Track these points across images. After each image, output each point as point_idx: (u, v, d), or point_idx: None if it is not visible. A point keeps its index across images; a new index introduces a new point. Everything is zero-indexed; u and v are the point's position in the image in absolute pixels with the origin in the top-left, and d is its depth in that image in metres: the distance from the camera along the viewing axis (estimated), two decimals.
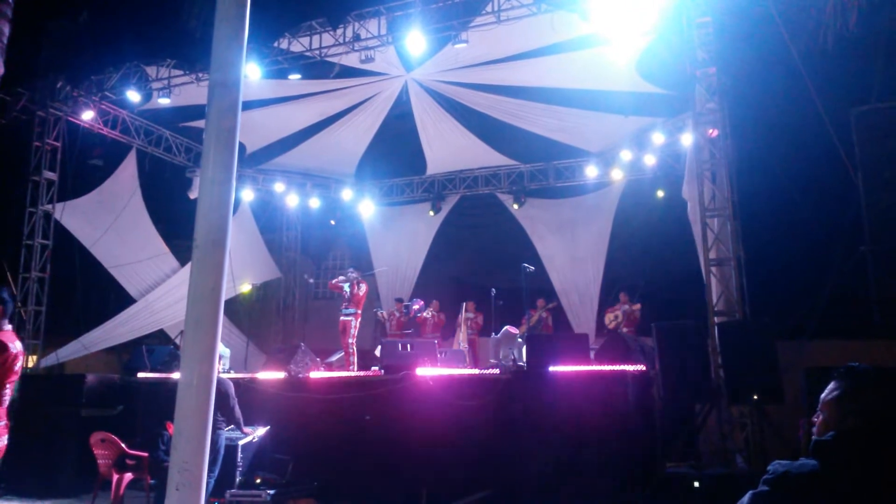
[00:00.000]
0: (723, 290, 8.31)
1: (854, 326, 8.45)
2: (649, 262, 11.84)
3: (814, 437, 2.11)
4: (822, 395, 2.16)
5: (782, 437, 7.13)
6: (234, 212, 3.08)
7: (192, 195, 13.36)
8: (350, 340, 10.54)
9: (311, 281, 15.40)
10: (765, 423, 7.25)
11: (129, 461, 7.56)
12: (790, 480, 1.97)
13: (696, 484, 6.57)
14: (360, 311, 10.80)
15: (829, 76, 7.94)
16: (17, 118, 11.46)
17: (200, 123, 12.32)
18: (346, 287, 10.76)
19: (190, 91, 11.10)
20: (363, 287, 10.95)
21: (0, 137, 10.93)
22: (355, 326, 10.70)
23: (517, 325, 11.33)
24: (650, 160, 12.49)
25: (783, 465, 2.03)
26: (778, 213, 9.30)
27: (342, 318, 10.76)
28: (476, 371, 8.74)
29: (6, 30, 4.23)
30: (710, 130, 8.55)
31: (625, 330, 10.83)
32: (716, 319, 8.16)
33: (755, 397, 7.17)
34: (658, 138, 12.01)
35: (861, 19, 6.77)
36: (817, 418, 2.16)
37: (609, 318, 11.51)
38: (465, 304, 11.99)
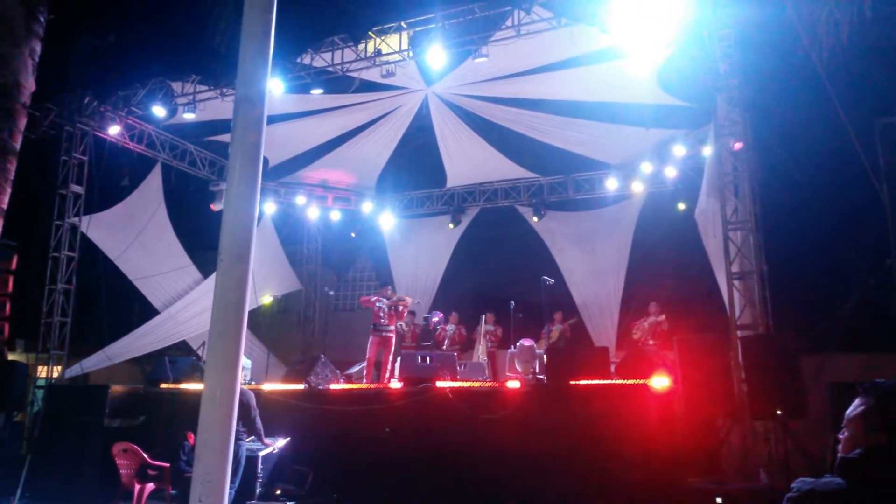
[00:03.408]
0: (745, 304, 8.22)
1: (879, 340, 8.32)
2: (671, 275, 11.74)
3: (839, 455, 2.08)
4: (847, 412, 2.14)
5: (806, 453, 7.03)
6: (257, 224, 3.12)
7: (216, 207, 13.54)
8: (390, 357, 10.72)
9: (332, 293, 15.47)
10: (788, 438, 7.15)
11: (150, 471, 7.63)
12: (815, 499, 1.95)
13: (719, 500, 6.49)
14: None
15: (854, 87, 7.86)
16: (46, 133, 11.70)
17: (225, 137, 12.49)
18: (383, 304, 10.92)
19: (214, 106, 11.26)
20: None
21: (29, 152, 11.12)
22: (394, 343, 10.90)
23: (536, 338, 11.29)
24: (671, 172, 12.42)
25: (808, 482, 2.00)
26: (801, 225, 9.21)
27: (385, 334, 10.85)
28: (496, 384, 8.71)
29: (38, 48, 4.33)
30: (735, 143, 8.49)
31: (651, 342, 10.72)
32: (738, 333, 8.07)
33: (778, 412, 7.08)
34: (679, 150, 11.94)
35: (882, 30, 6.70)
36: (842, 435, 2.13)
37: (635, 329, 11.40)
38: (484, 316, 11.97)
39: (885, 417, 2.00)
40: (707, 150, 10.32)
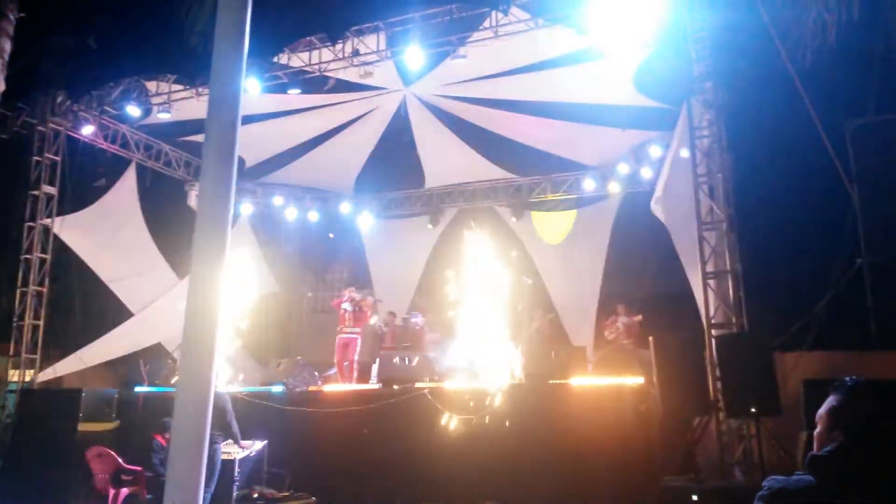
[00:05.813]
0: (720, 303, 8.31)
1: (852, 338, 8.45)
2: (647, 275, 11.83)
3: (811, 452, 2.11)
4: (820, 410, 2.17)
5: (781, 450, 7.12)
6: (233, 225, 3.09)
7: (192, 203, 13.47)
8: (356, 357, 10.72)
9: (310, 295, 15.38)
10: (763, 435, 7.24)
11: (125, 476, 7.55)
12: (786, 497, 1.97)
13: (695, 497, 6.54)
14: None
15: (826, 89, 7.98)
16: (18, 133, 11.47)
17: (200, 138, 12.32)
18: (348, 306, 10.98)
19: (190, 106, 11.13)
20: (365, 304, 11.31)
21: (0, 152, 10.95)
22: (360, 344, 10.91)
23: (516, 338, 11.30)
24: (647, 173, 12.52)
25: (779, 480, 2.02)
26: (775, 225, 9.32)
27: (348, 336, 10.90)
28: (475, 384, 8.71)
29: (7, 46, 4.26)
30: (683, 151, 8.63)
31: (625, 342, 10.80)
32: (713, 332, 8.15)
33: (753, 410, 7.16)
34: (655, 151, 12.05)
35: (854, 33, 6.82)
36: (815, 431, 2.16)
37: (608, 331, 11.46)
38: None
39: (849, 415, 2.03)
40: (684, 152, 10.41)
